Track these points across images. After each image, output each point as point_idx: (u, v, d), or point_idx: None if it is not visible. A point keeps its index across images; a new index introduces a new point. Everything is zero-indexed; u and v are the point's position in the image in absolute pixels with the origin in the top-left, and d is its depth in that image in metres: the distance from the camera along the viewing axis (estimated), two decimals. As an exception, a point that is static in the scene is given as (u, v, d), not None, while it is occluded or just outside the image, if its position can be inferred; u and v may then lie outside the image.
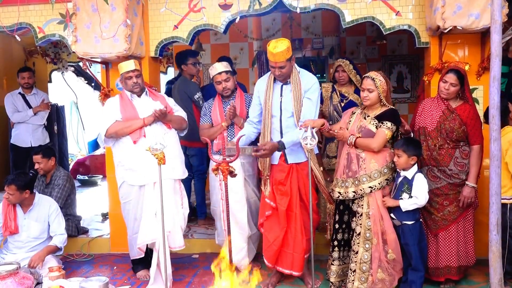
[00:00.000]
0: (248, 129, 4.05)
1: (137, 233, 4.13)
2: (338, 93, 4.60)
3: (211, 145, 4.25)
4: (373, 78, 3.63)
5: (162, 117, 4.01)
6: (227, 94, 4.31)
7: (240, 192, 4.24)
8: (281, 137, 3.86)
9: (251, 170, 4.35)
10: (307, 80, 3.88)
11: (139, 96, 4.13)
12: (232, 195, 4.12)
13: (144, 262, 4.35)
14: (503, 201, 3.45)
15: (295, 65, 3.91)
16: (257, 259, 4.48)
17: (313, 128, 3.60)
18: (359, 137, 3.66)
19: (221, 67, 4.25)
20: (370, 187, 3.61)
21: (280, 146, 3.75)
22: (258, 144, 3.90)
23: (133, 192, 4.10)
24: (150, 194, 4.03)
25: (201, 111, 4.51)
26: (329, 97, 4.62)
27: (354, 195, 3.66)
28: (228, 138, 4.23)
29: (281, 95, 3.88)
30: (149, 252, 4.26)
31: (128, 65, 4.03)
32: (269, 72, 3.93)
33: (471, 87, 4.05)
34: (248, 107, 4.25)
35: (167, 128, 4.11)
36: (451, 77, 3.70)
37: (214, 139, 4.30)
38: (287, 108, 3.85)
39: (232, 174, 3.68)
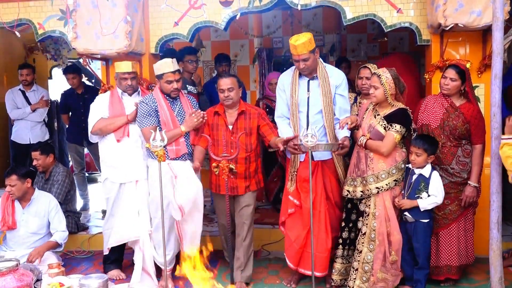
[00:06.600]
0: (288, 126, 3.85)
1: (110, 229, 4.16)
2: (358, 106, 4.12)
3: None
4: (379, 75, 3.55)
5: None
6: (175, 96, 3.93)
7: (200, 198, 3.89)
8: None
9: (199, 177, 4.04)
10: (337, 75, 3.81)
11: (130, 95, 4.14)
12: (192, 202, 3.84)
13: (117, 261, 4.35)
14: None
15: (320, 59, 3.82)
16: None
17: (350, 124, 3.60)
18: (370, 138, 3.62)
19: (174, 65, 3.83)
20: (377, 187, 3.59)
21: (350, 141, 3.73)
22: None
23: (113, 189, 4.12)
24: (131, 192, 4.04)
25: (140, 109, 3.89)
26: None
27: (361, 195, 3.64)
28: (186, 144, 3.90)
29: (308, 91, 3.78)
30: (122, 251, 4.31)
31: (126, 67, 4.03)
32: (293, 67, 3.84)
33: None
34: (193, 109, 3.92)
35: None
36: (450, 72, 3.70)
37: (169, 144, 3.78)
38: (315, 104, 3.75)
39: (232, 171, 3.66)
